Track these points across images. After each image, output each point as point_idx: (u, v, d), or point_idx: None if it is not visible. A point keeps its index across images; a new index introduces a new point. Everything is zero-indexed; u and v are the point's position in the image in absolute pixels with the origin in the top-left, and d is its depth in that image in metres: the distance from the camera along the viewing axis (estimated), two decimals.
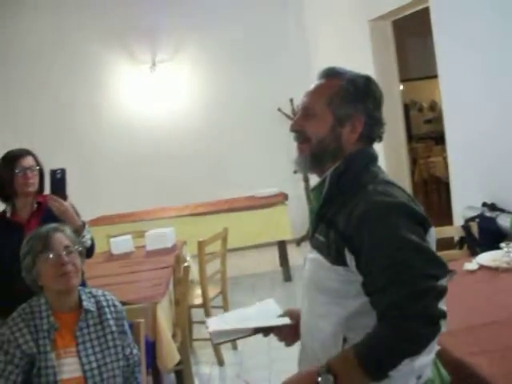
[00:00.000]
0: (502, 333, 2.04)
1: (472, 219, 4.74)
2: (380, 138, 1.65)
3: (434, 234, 1.53)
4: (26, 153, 2.90)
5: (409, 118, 12.45)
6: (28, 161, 2.88)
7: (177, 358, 3.14)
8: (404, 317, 1.36)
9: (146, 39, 7.54)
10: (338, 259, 1.49)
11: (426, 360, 1.50)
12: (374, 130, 1.61)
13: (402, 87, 11.71)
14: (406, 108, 12.49)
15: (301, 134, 1.62)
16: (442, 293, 1.39)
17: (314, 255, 1.61)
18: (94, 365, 2.11)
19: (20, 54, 7.47)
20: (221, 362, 4.25)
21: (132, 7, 7.38)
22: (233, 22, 7.52)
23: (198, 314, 4.54)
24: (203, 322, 4.20)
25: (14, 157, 2.86)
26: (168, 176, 7.64)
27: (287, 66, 7.57)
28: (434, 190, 9.77)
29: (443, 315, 1.38)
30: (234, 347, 4.47)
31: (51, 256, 2.12)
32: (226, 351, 4.37)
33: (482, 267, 2.77)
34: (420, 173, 10.89)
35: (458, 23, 4.77)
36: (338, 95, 1.57)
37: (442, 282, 1.40)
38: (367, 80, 1.62)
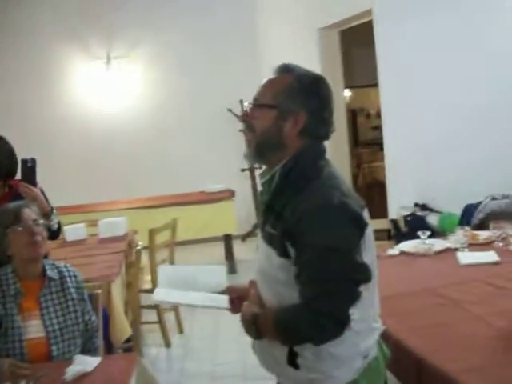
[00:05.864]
0: (409, 301, 2.49)
1: (405, 217, 5.18)
2: (327, 137, 1.70)
3: (371, 232, 1.65)
4: None
5: (356, 123, 12.86)
6: None
7: (128, 331, 3.40)
8: (319, 313, 1.50)
9: (102, 34, 7.68)
10: (283, 252, 1.58)
11: (371, 342, 1.70)
12: (317, 128, 1.65)
13: (350, 94, 12.14)
14: (354, 114, 12.92)
15: (248, 124, 1.70)
16: (355, 297, 1.53)
17: (264, 246, 1.70)
18: (56, 326, 2.37)
19: None
20: (168, 344, 4.52)
21: (89, 1, 7.58)
22: (189, 22, 7.73)
23: (146, 298, 4.75)
24: (152, 307, 4.45)
25: None
26: (120, 171, 7.84)
27: (238, 68, 7.84)
28: (376, 192, 10.19)
29: (348, 320, 1.52)
30: (181, 331, 4.74)
31: (22, 228, 2.38)
32: (173, 334, 4.64)
33: (402, 253, 3.18)
34: (364, 177, 11.32)
35: (399, 36, 5.20)
36: (284, 90, 1.63)
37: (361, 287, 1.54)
38: (315, 79, 1.67)
